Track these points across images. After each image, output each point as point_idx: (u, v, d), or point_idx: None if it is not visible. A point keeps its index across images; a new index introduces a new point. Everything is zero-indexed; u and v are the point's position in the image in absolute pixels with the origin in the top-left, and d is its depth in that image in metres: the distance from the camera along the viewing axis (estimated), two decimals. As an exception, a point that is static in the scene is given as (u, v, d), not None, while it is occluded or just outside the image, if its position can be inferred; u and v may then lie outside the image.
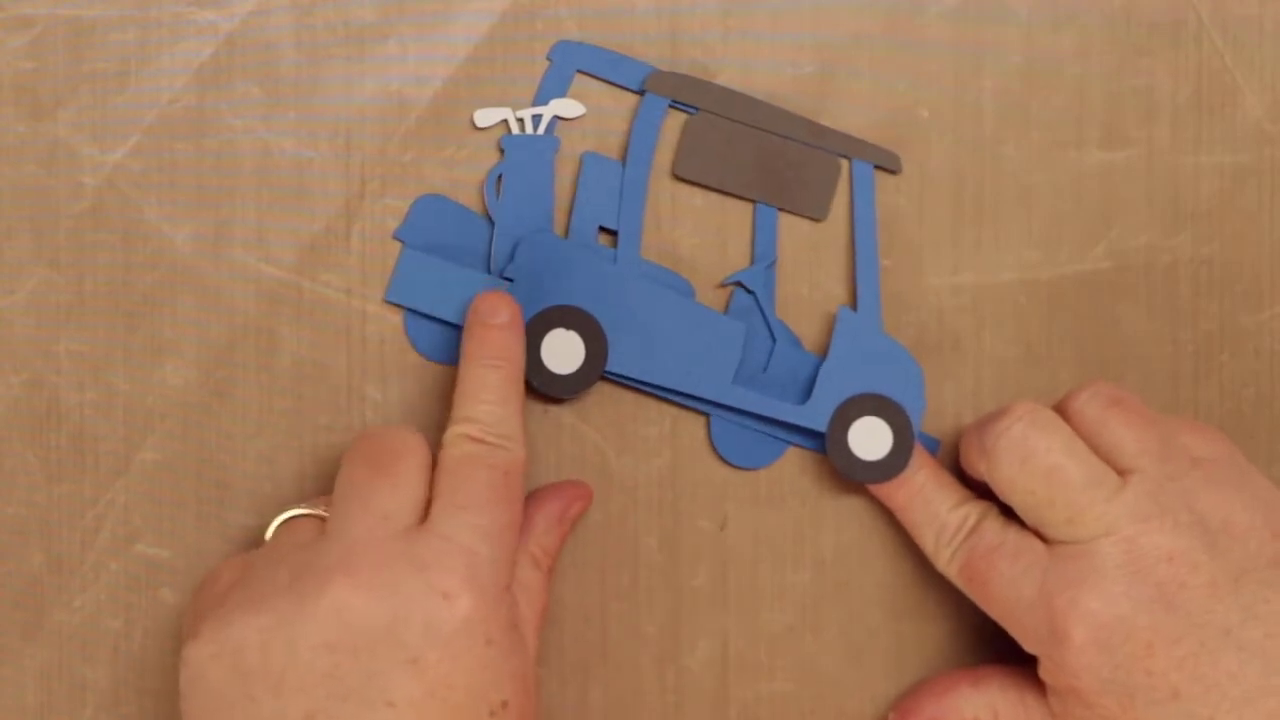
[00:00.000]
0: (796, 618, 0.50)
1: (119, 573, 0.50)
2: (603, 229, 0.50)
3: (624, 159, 0.49)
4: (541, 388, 0.48)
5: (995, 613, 0.46)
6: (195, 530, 0.50)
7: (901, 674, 0.51)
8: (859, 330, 0.49)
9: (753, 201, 0.50)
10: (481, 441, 0.45)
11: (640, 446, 0.50)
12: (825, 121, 0.50)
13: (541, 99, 0.49)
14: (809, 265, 0.50)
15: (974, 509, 0.47)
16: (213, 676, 0.42)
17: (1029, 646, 0.45)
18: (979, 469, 0.46)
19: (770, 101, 0.50)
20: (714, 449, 0.50)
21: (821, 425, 0.49)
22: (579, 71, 0.50)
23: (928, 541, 0.48)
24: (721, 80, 0.50)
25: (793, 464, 0.50)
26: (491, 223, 0.49)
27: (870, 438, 0.49)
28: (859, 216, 0.50)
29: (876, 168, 0.50)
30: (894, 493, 0.49)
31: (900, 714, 0.49)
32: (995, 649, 0.50)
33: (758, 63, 0.50)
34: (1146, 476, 0.44)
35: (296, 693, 0.41)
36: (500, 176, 0.49)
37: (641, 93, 0.49)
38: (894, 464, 0.48)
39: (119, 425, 0.49)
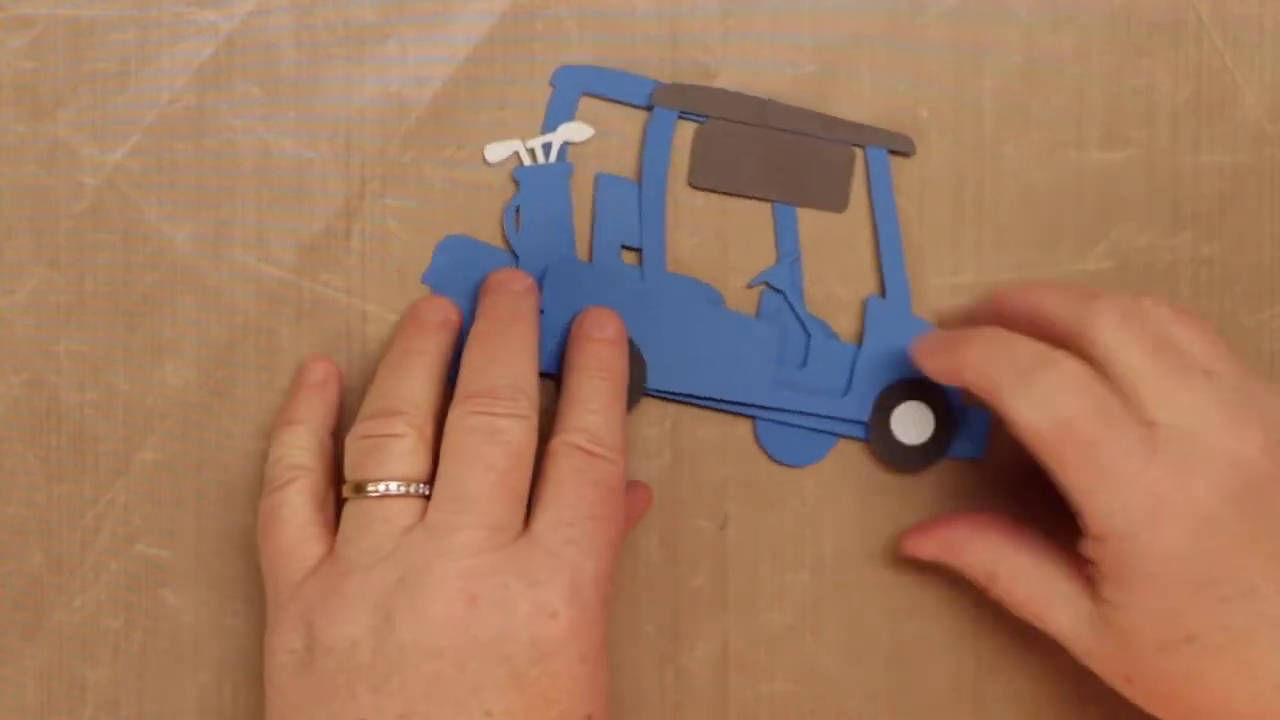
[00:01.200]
0: (796, 618, 0.50)
1: (119, 573, 0.50)
2: (625, 247, 0.50)
3: (639, 176, 0.49)
4: None
5: (1081, 480, 0.43)
6: (195, 530, 0.50)
7: (901, 674, 0.51)
8: (890, 317, 0.49)
9: (770, 202, 0.50)
10: (589, 453, 0.44)
11: (640, 446, 0.50)
12: (825, 121, 0.50)
13: (549, 126, 0.49)
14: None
15: (1063, 354, 0.44)
16: (321, 667, 0.42)
17: (1105, 524, 0.43)
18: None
19: (776, 100, 0.50)
20: (763, 450, 0.50)
21: (864, 415, 0.49)
22: (584, 94, 0.49)
23: (1005, 379, 0.44)
24: (721, 80, 0.50)
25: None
26: (515, 255, 0.49)
27: (913, 422, 0.49)
28: (878, 203, 0.50)
29: (891, 152, 0.50)
30: (958, 350, 0.45)
31: (917, 532, 0.49)
32: (999, 647, 0.50)
33: (758, 63, 0.50)
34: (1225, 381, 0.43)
35: (397, 694, 0.42)
36: (518, 209, 0.49)
37: (650, 108, 0.49)
38: (938, 446, 0.49)
39: (119, 425, 0.49)
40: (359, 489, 0.44)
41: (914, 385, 0.49)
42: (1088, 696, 0.51)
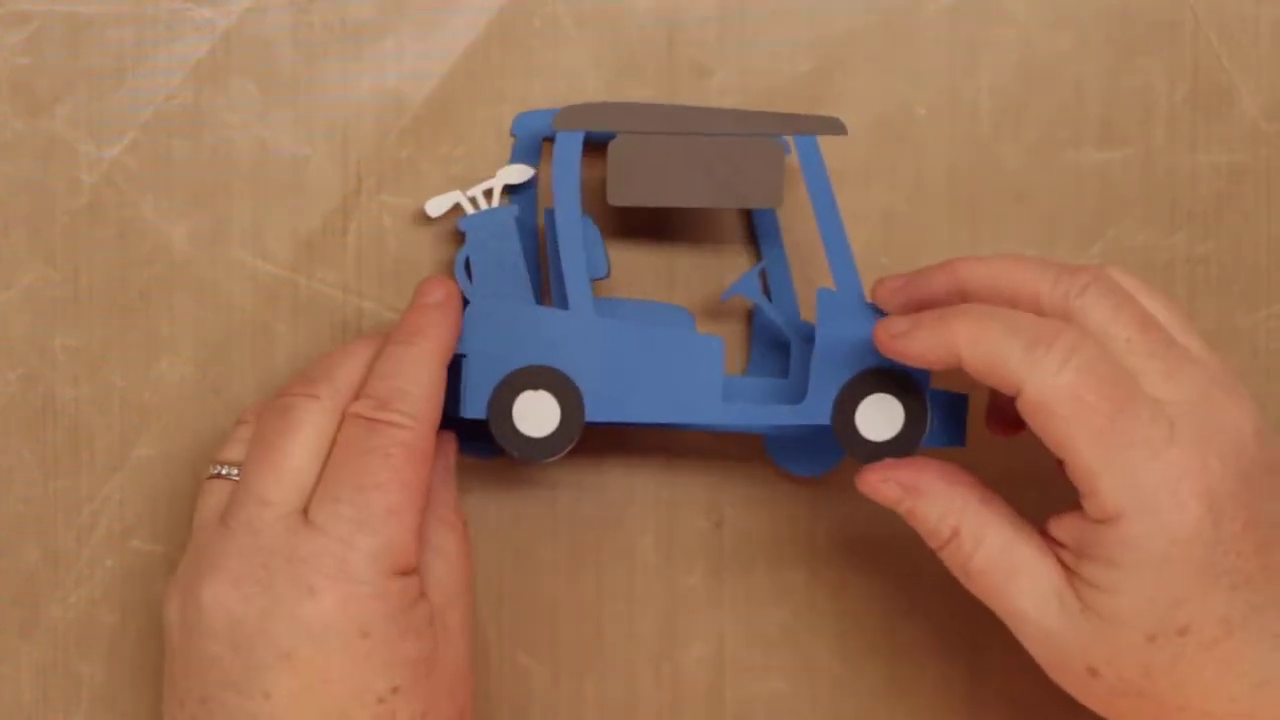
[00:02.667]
0: (792, 617, 0.50)
1: (115, 569, 0.50)
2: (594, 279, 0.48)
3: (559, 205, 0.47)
4: (521, 456, 0.46)
5: (1095, 456, 0.40)
6: (191, 527, 0.49)
7: (897, 674, 0.51)
8: (840, 308, 0.47)
9: (702, 208, 0.49)
10: (374, 420, 0.43)
11: (636, 445, 0.50)
12: (822, 120, 0.50)
13: None
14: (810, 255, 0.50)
15: (1066, 323, 0.42)
16: (165, 643, 0.44)
17: (1118, 502, 0.40)
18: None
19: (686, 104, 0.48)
20: (775, 464, 0.50)
21: (824, 419, 0.46)
22: (546, 139, 0.49)
23: (1012, 351, 0.41)
24: (718, 78, 0.50)
25: (789, 462, 0.50)
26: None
27: (881, 415, 0.46)
28: (815, 192, 0.47)
29: (822, 135, 0.47)
30: (945, 324, 0.43)
31: (879, 470, 0.45)
32: (994, 647, 0.50)
33: (755, 62, 0.50)
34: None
35: (194, 676, 0.42)
36: (468, 260, 0.48)
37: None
38: (912, 436, 0.46)
39: (115, 421, 0.49)
40: (210, 469, 0.46)
41: (878, 375, 0.46)
42: (1083, 696, 0.51)
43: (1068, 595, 0.42)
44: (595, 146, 0.48)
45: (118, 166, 0.49)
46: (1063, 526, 0.42)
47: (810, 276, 0.50)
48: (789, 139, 0.49)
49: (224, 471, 0.45)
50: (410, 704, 0.42)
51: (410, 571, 0.43)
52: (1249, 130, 0.51)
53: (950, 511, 0.44)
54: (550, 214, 0.47)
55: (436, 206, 0.49)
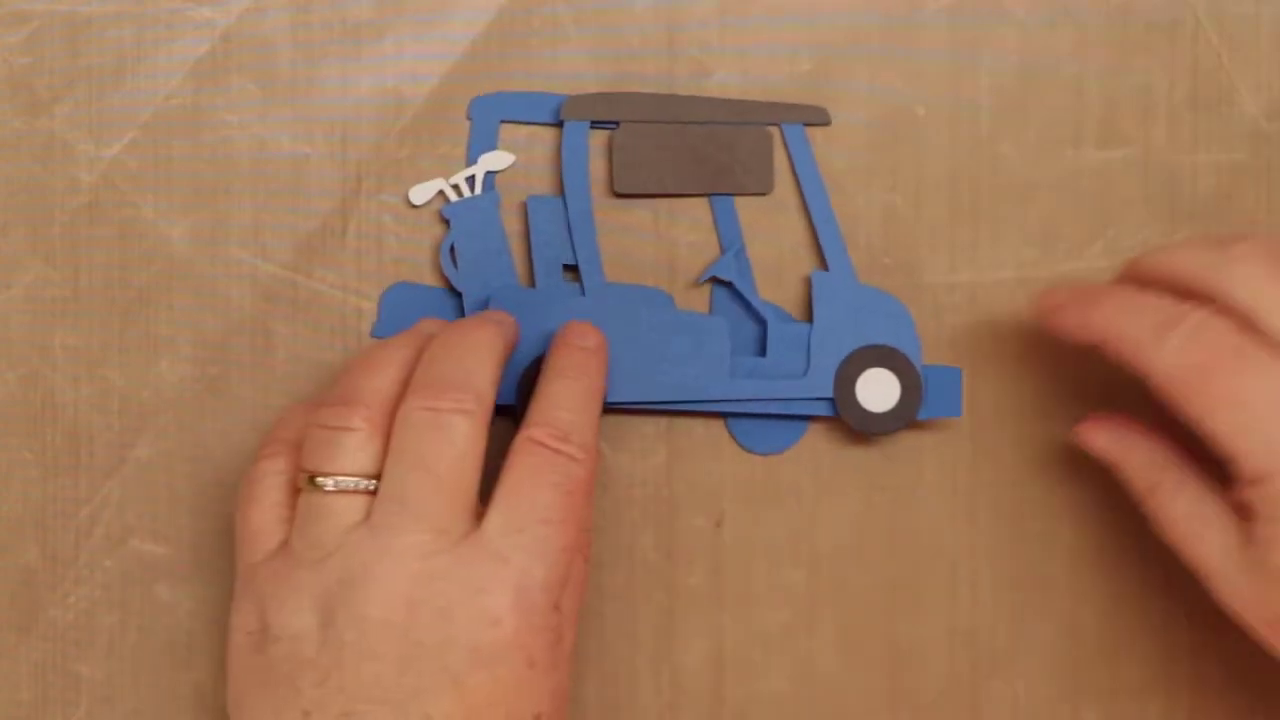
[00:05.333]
0: (792, 617, 0.50)
1: (114, 568, 0.50)
2: (566, 266, 0.49)
3: (562, 193, 0.49)
4: None
5: (1229, 421, 0.42)
6: (190, 526, 0.50)
7: (897, 674, 0.50)
8: (836, 287, 0.49)
9: (698, 196, 0.50)
10: (553, 450, 0.43)
11: (636, 444, 0.50)
12: (822, 120, 0.50)
13: (472, 158, 0.49)
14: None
15: (1194, 304, 0.43)
16: (270, 653, 0.42)
17: (1264, 462, 0.42)
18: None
19: (680, 94, 0.50)
20: (736, 442, 0.50)
21: (827, 391, 0.49)
22: (503, 121, 0.49)
23: (1142, 333, 0.43)
24: (718, 78, 0.50)
25: (788, 462, 0.50)
26: (458, 294, 0.49)
27: (878, 388, 0.49)
28: (803, 178, 0.50)
29: (808, 125, 0.50)
30: (1091, 307, 0.45)
31: (1095, 420, 0.48)
32: (994, 648, 0.50)
33: (754, 61, 0.50)
34: None
35: (338, 691, 0.41)
36: (452, 246, 0.49)
37: (560, 123, 0.49)
38: (908, 407, 0.49)
39: (114, 421, 0.49)
40: (310, 480, 0.43)
41: (872, 351, 0.49)
42: (1085, 697, 0.51)
43: (1246, 550, 0.43)
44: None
45: (117, 166, 0.49)
46: (1236, 489, 0.44)
47: (792, 265, 0.50)
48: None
49: (356, 485, 0.43)
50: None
51: (560, 604, 0.43)
52: (1249, 129, 0.51)
53: (1154, 464, 0.46)
54: (534, 201, 0.49)
55: (420, 194, 0.49)
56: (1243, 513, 0.44)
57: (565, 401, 0.44)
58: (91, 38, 0.49)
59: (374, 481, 0.43)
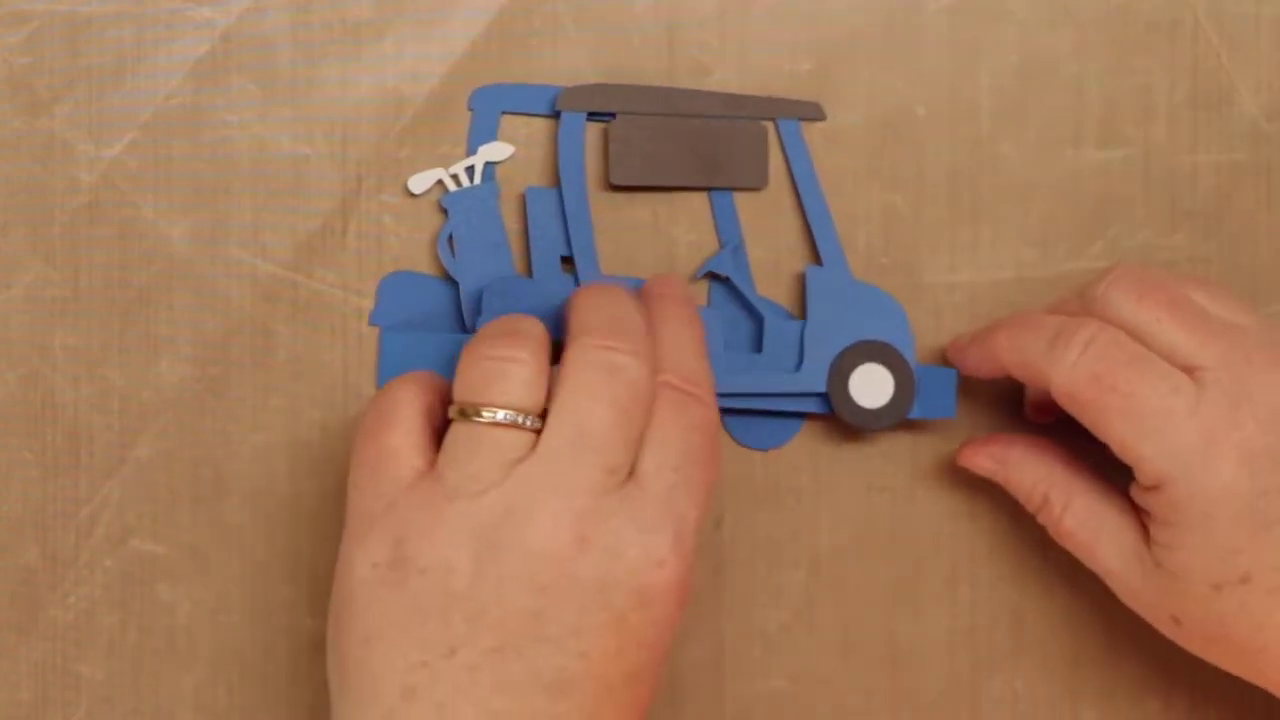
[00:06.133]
0: (792, 616, 0.50)
1: (114, 569, 0.50)
2: (564, 259, 0.49)
3: (558, 184, 0.49)
4: None
5: (1125, 429, 0.43)
6: (190, 526, 0.50)
7: (897, 673, 0.51)
8: (830, 283, 0.49)
9: (696, 190, 0.50)
10: (687, 394, 0.43)
11: (636, 444, 0.50)
12: (822, 120, 0.50)
13: (472, 149, 0.49)
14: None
15: (1093, 322, 0.45)
16: (412, 587, 0.41)
17: (1157, 470, 0.43)
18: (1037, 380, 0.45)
19: (678, 87, 0.50)
20: (731, 438, 0.50)
21: (820, 386, 0.49)
22: (504, 112, 0.49)
23: (1038, 349, 0.45)
24: (717, 77, 0.50)
25: (789, 462, 0.50)
26: (455, 283, 0.49)
27: (872, 384, 0.49)
28: (798, 173, 0.50)
29: (803, 120, 0.50)
30: (989, 337, 0.47)
31: (974, 444, 0.49)
32: (994, 647, 0.50)
33: (754, 61, 0.50)
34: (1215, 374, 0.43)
35: (494, 626, 0.41)
36: (450, 236, 0.49)
37: (557, 114, 0.49)
38: (902, 403, 0.49)
39: (114, 421, 0.49)
40: (470, 412, 0.42)
41: (865, 347, 0.49)
42: (1084, 696, 0.51)
43: (1144, 553, 0.45)
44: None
45: (117, 166, 0.49)
46: (1134, 493, 0.45)
47: (788, 262, 0.50)
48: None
49: (520, 420, 0.42)
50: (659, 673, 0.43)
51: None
52: (1249, 129, 0.51)
53: (1040, 480, 0.47)
54: (532, 192, 0.49)
55: (419, 183, 0.49)
56: (1144, 515, 0.45)
57: (687, 348, 0.45)
58: (91, 38, 0.49)
59: (538, 420, 0.42)
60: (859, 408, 0.49)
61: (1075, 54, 0.50)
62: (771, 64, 0.50)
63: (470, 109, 0.50)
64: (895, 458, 0.51)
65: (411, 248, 0.50)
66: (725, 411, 0.50)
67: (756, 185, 0.50)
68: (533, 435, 0.42)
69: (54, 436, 0.49)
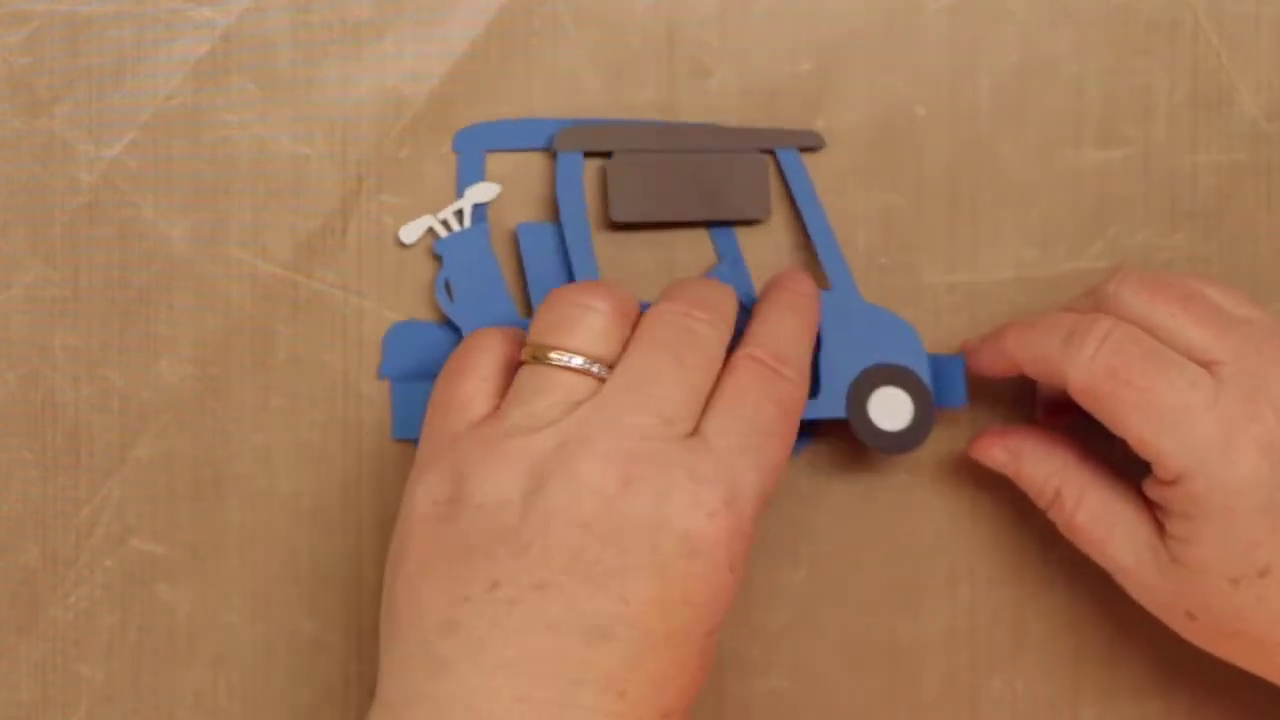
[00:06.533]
0: (792, 616, 0.50)
1: (114, 568, 0.50)
2: None
3: (559, 223, 0.49)
4: None
5: (1143, 423, 0.43)
6: (191, 526, 0.50)
7: (896, 673, 0.51)
8: (841, 307, 0.48)
9: (697, 225, 0.50)
10: (773, 370, 0.43)
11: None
12: (822, 120, 0.50)
13: (460, 191, 0.49)
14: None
15: (1107, 318, 0.45)
16: (465, 522, 0.41)
17: (1177, 464, 0.43)
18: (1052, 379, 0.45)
19: (674, 122, 0.49)
20: None
21: (840, 412, 0.48)
22: (489, 150, 0.49)
23: (1053, 345, 0.45)
24: (718, 78, 0.50)
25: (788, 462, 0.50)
26: (456, 328, 0.49)
27: (891, 407, 0.48)
28: (801, 201, 0.49)
29: (803, 150, 0.50)
30: (1001, 336, 0.47)
31: (988, 436, 0.49)
32: (994, 647, 0.50)
33: (754, 61, 0.50)
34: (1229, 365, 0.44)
35: (537, 561, 0.40)
36: (448, 282, 0.49)
37: (554, 153, 0.49)
38: (923, 424, 0.48)
39: (114, 421, 0.49)
40: (542, 354, 0.42)
41: (882, 371, 0.48)
42: (1084, 696, 0.51)
43: (1159, 548, 0.45)
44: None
45: (117, 166, 0.49)
46: (1149, 488, 0.45)
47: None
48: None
49: (590, 367, 0.42)
50: (718, 640, 0.43)
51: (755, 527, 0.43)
52: (1249, 129, 0.51)
53: (1052, 473, 0.47)
54: (524, 228, 0.49)
55: (410, 233, 0.49)
56: (1158, 510, 0.45)
57: (784, 331, 0.45)
58: (91, 38, 0.49)
59: (607, 369, 0.42)
60: (880, 431, 0.48)
61: (1075, 54, 0.50)
62: (771, 64, 0.50)
63: (455, 151, 0.49)
64: (896, 458, 0.50)
65: (411, 247, 0.50)
66: None
67: (759, 217, 0.50)
68: (597, 382, 0.42)
69: (54, 436, 0.49)
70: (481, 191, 0.49)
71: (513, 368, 0.44)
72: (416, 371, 0.49)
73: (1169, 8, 0.50)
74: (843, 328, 0.48)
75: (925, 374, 0.48)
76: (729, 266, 0.50)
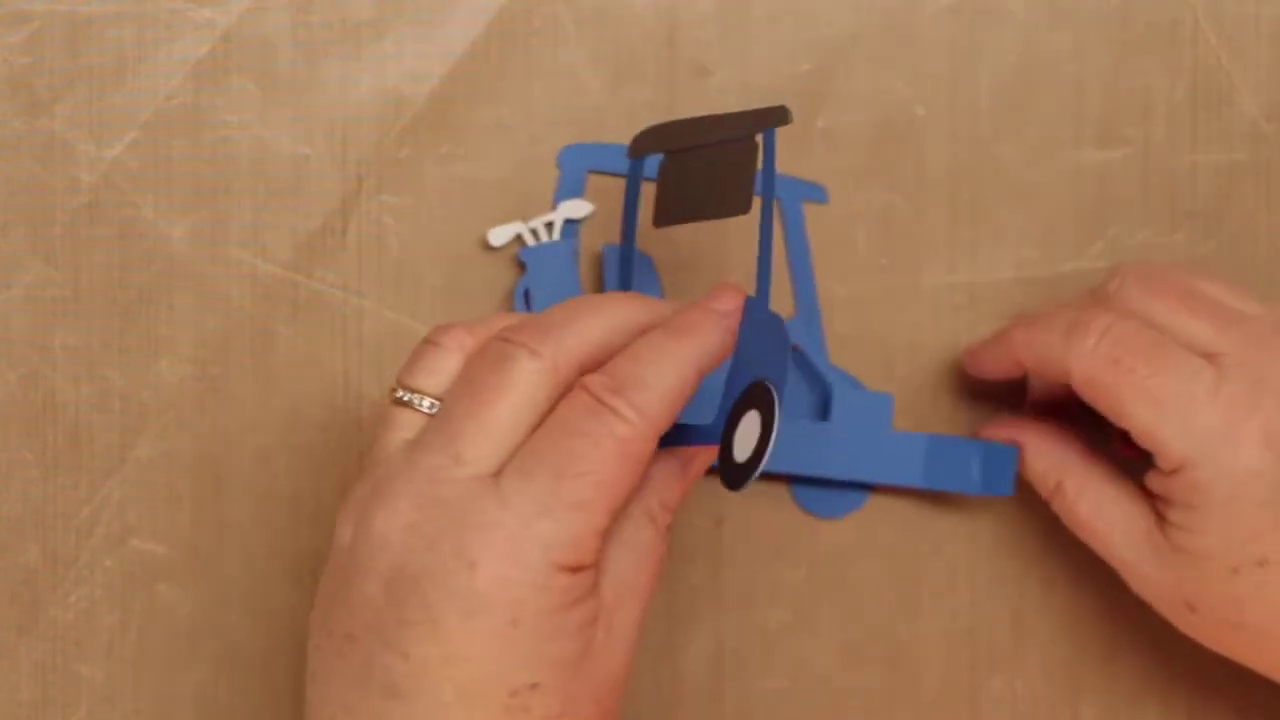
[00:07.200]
0: (792, 616, 0.50)
1: (114, 568, 0.50)
2: None
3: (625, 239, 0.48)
4: None
5: (1146, 412, 0.44)
6: (191, 526, 0.50)
7: (896, 672, 0.51)
8: (756, 318, 0.42)
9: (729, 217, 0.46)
10: (600, 403, 0.40)
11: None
12: (822, 120, 0.50)
13: (556, 203, 0.49)
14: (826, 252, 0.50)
15: (1108, 312, 0.45)
16: (330, 567, 0.42)
17: (1179, 452, 0.43)
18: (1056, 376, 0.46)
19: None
20: (799, 506, 0.50)
21: (715, 439, 0.41)
22: (591, 171, 0.49)
23: (1054, 339, 0.45)
24: (719, 78, 0.50)
25: (788, 462, 0.50)
26: None
27: (748, 435, 0.40)
28: (766, 187, 0.42)
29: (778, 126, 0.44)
30: (1004, 336, 0.47)
31: (992, 428, 0.49)
32: (993, 647, 0.50)
33: (755, 61, 0.50)
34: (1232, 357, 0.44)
35: (347, 611, 0.40)
36: (527, 290, 0.49)
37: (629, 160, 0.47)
38: (762, 446, 0.39)
39: (115, 421, 0.49)
40: (392, 391, 0.42)
41: (750, 393, 0.40)
42: (1083, 695, 0.51)
43: (1159, 539, 0.45)
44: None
45: (117, 166, 0.49)
46: (1150, 479, 0.45)
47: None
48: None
49: (416, 402, 0.41)
50: (547, 703, 0.40)
51: (581, 569, 0.39)
52: (1248, 129, 0.51)
53: (1054, 466, 0.48)
54: (609, 249, 0.49)
55: (499, 236, 0.49)
56: (1160, 502, 0.45)
57: (643, 355, 0.41)
58: (92, 38, 0.49)
59: (435, 404, 0.42)
60: (739, 467, 0.40)
61: (1075, 54, 0.50)
62: (771, 64, 0.50)
63: (557, 165, 0.49)
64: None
65: (412, 247, 0.50)
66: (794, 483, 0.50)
67: (739, 211, 0.42)
68: (426, 418, 0.41)
69: (54, 436, 0.49)
70: (575, 208, 0.49)
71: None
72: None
73: (1169, 8, 0.50)
74: (747, 345, 0.42)
75: (780, 383, 0.40)
76: (803, 323, 0.49)
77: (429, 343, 0.42)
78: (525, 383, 0.40)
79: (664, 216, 0.45)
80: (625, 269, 0.48)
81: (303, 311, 0.50)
